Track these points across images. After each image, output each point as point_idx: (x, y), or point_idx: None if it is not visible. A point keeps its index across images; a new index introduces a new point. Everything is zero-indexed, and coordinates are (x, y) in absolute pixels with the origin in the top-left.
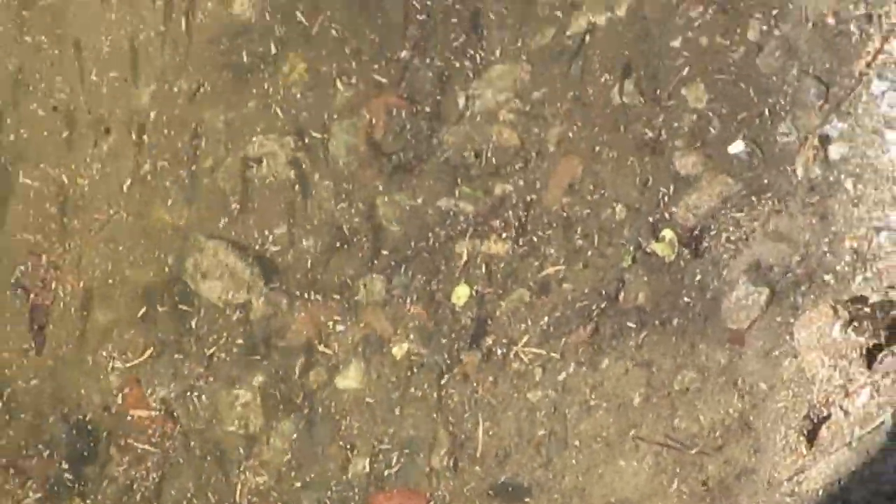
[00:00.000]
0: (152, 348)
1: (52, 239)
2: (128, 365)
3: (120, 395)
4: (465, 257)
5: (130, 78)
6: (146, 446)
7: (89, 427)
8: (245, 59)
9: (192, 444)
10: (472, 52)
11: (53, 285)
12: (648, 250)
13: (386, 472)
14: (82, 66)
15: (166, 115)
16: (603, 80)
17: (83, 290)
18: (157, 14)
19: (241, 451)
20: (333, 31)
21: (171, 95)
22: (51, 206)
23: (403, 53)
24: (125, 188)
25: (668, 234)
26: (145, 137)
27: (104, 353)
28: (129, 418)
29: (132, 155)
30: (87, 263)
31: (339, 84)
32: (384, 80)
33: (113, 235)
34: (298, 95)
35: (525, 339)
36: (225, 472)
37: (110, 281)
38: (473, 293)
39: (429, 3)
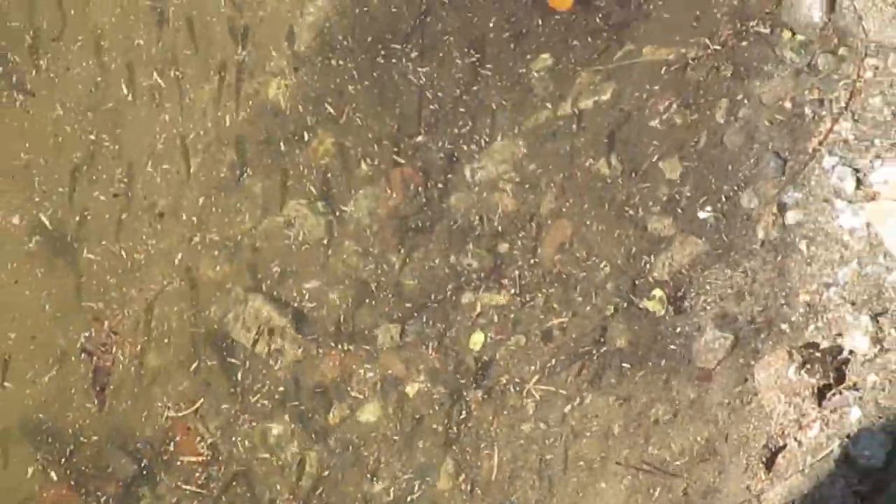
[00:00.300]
0: (202, 399)
1: (113, 306)
2: (180, 414)
3: (172, 442)
4: (477, 308)
5: (183, 169)
6: (193, 488)
7: (144, 472)
8: (280, 137)
9: (232, 476)
10: (475, 133)
11: (114, 349)
12: (641, 306)
13: (408, 498)
14: (138, 159)
15: (212, 190)
16: (589, 154)
17: (140, 351)
18: (206, 114)
19: (274, 479)
20: (357, 118)
21: (215, 171)
22: (111, 277)
23: (419, 138)
24: (177, 261)
25: (657, 293)
26: (194, 219)
27: (159, 404)
28: (178, 463)
29: (183, 232)
30: (143, 326)
31: (361, 160)
32: (401, 159)
33: (166, 300)
34: (327, 168)
35: (526, 377)
36: (257, 500)
37: (165, 340)
38: (487, 339)
39: (439, 94)
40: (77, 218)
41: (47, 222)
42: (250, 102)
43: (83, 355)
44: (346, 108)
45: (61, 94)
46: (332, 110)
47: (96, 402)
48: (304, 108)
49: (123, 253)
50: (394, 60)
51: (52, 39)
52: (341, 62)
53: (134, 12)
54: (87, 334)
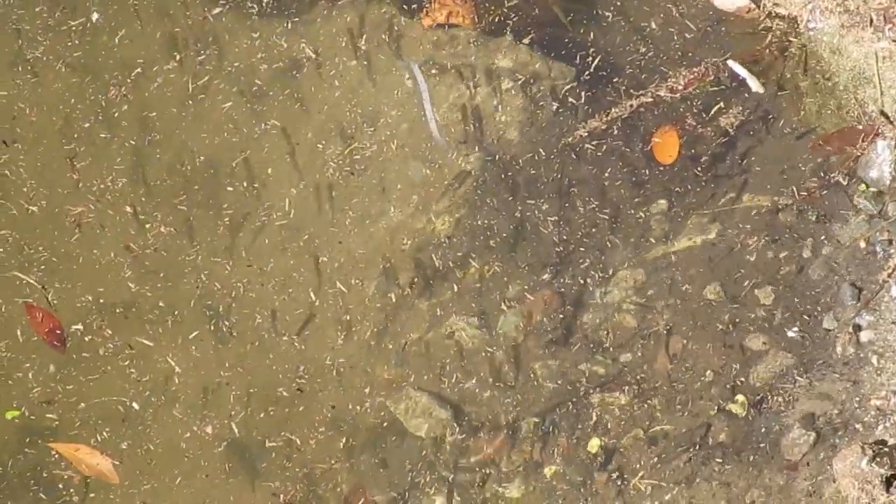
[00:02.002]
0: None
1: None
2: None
3: None
4: (602, 406)
5: (365, 289)
6: None
7: None
8: (443, 264)
9: None
10: (603, 264)
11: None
12: (727, 408)
13: None
14: (320, 277)
15: (385, 308)
16: (697, 282)
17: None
18: (385, 243)
19: None
20: (505, 251)
21: (390, 291)
22: (284, 391)
23: (558, 267)
24: (352, 365)
25: (740, 398)
26: (373, 342)
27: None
28: None
29: (363, 340)
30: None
31: (509, 284)
32: (542, 285)
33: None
34: (481, 290)
35: (638, 468)
36: None
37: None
38: (602, 442)
39: (573, 233)
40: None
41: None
42: (419, 235)
43: None
44: (495, 242)
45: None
46: (484, 244)
47: None
48: (463, 241)
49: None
50: (528, 213)
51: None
52: (491, 210)
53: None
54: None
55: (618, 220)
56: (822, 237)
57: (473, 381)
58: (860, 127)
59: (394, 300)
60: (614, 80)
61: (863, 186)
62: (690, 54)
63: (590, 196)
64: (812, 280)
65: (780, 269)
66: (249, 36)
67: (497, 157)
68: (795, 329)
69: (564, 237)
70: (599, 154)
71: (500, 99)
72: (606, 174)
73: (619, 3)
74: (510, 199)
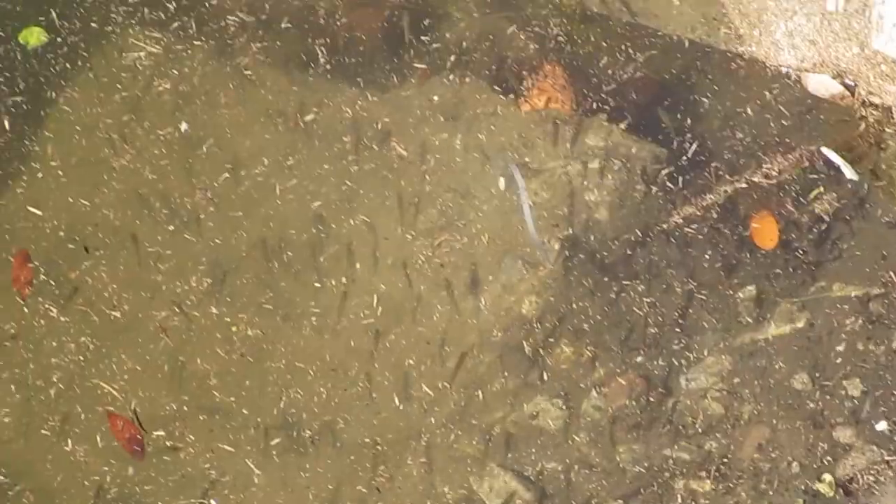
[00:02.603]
0: None
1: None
2: None
3: None
4: (685, 493)
5: (449, 383)
6: None
7: None
8: (529, 345)
9: None
10: (690, 349)
11: None
12: (814, 489)
13: None
14: (406, 382)
15: (472, 386)
16: (785, 371)
17: None
18: (471, 327)
19: None
20: (593, 333)
21: (475, 371)
22: (366, 463)
23: (643, 351)
24: (440, 439)
25: (827, 477)
26: (457, 416)
27: None
28: None
29: (448, 414)
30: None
31: (595, 367)
32: (628, 367)
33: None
34: (567, 371)
35: None
36: None
37: None
38: None
39: (661, 317)
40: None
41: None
42: (504, 315)
43: None
44: (583, 324)
45: None
46: (572, 326)
47: None
48: (550, 322)
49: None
50: (623, 294)
51: None
52: (582, 291)
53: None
54: None
55: (708, 305)
56: None
57: (556, 463)
58: None
59: (478, 380)
60: (710, 164)
61: None
62: (786, 140)
63: (681, 280)
64: None
65: (870, 361)
66: (340, 140)
67: (588, 237)
68: (884, 423)
69: (652, 320)
70: (692, 238)
71: (592, 179)
72: (697, 259)
73: (715, 89)
74: (599, 280)
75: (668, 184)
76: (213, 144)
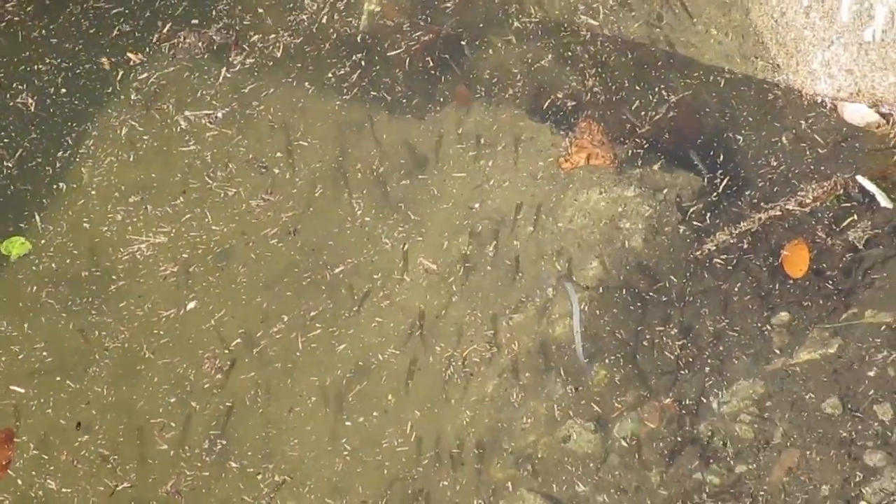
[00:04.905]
0: None
1: None
2: None
3: None
4: None
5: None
6: None
7: None
8: (561, 369)
9: None
10: (722, 374)
11: None
12: None
13: None
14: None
15: (504, 408)
16: (816, 396)
17: None
18: (499, 349)
19: None
20: (627, 362)
21: (505, 394)
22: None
23: (677, 375)
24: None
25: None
26: (486, 439)
27: None
28: None
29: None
30: None
31: (629, 391)
32: (661, 392)
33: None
34: (600, 394)
35: None
36: None
37: None
38: None
39: (695, 344)
40: None
41: None
42: (535, 337)
43: None
44: (617, 354)
45: None
46: (606, 354)
47: None
48: (585, 346)
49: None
50: (656, 319)
51: None
52: (616, 314)
53: None
54: None
55: (740, 330)
56: None
57: (587, 486)
58: None
59: (507, 404)
60: (745, 193)
61: None
62: (821, 168)
63: (714, 306)
64: None
65: None
66: (371, 279)
67: (622, 265)
68: None
69: (686, 345)
70: (727, 265)
71: (628, 206)
72: (731, 285)
73: (751, 120)
74: (634, 305)
75: (702, 212)
76: (226, 314)
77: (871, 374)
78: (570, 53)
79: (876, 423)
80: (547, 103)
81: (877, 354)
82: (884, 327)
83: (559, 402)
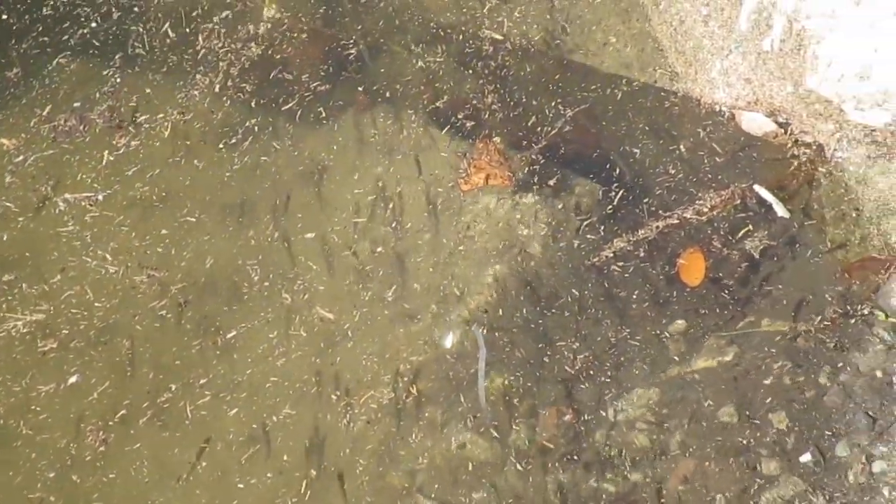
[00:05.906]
0: None
1: None
2: None
3: None
4: None
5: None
6: None
7: None
8: (457, 377)
9: None
10: (618, 382)
11: None
12: None
13: None
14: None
15: (401, 417)
16: (712, 404)
17: None
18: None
19: None
20: (523, 367)
21: (400, 402)
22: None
23: (572, 383)
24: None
25: None
26: (383, 448)
27: None
28: None
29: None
30: None
31: (524, 399)
32: (556, 400)
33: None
34: (496, 402)
35: None
36: None
37: None
38: None
39: (591, 350)
40: None
41: None
42: (428, 349)
43: None
44: (513, 356)
45: None
46: (502, 357)
47: None
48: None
49: None
50: (553, 326)
51: None
52: (513, 323)
53: None
54: None
55: (635, 338)
56: (840, 364)
57: (483, 492)
58: (882, 257)
59: (401, 412)
60: (643, 200)
61: (882, 316)
62: (719, 177)
63: (610, 314)
64: (827, 407)
65: (796, 395)
66: (267, 338)
67: (519, 271)
68: (808, 456)
69: (581, 353)
70: (624, 273)
71: (524, 213)
72: (628, 293)
73: (648, 129)
74: (530, 313)
75: (599, 220)
76: (110, 386)
77: (768, 382)
78: (470, 71)
79: (771, 432)
80: (446, 129)
81: (773, 363)
82: (780, 336)
83: (453, 408)
